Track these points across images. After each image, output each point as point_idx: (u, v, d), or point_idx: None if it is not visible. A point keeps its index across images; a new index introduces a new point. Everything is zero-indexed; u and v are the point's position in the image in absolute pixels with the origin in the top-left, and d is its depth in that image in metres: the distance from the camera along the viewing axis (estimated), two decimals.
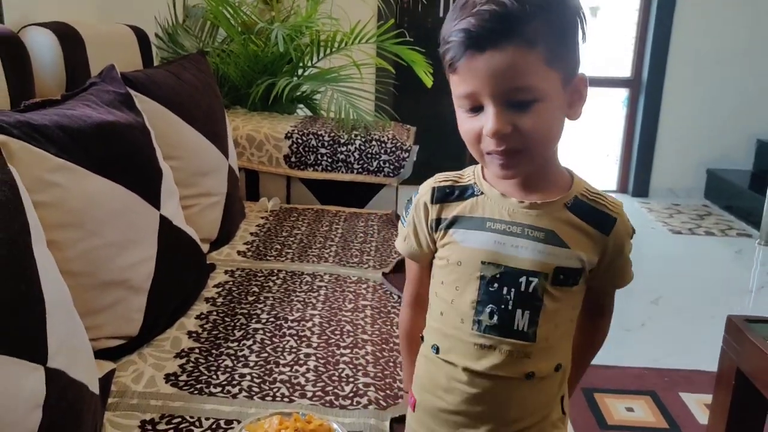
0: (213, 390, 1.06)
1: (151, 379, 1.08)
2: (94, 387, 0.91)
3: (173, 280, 1.28)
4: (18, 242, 0.80)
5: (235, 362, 1.14)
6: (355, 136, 2.10)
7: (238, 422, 0.97)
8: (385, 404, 1.05)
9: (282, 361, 1.15)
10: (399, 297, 1.48)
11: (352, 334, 1.26)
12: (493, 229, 0.77)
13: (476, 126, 0.73)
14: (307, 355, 1.17)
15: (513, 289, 0.76)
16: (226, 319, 1.29)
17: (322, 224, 1.90)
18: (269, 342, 1.21)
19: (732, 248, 3.29)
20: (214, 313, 1.31)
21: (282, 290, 1.43)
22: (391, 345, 1.26)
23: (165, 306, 1.24)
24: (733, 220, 3.72)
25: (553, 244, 0.76)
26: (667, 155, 4.10)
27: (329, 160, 2.10)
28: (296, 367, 1.13)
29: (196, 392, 1.05)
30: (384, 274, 1.57)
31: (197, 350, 1.17)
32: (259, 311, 1.33)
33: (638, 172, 4.14)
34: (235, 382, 1.08)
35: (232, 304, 1.35)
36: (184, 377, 1.09)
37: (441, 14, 3.82)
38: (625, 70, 4.09)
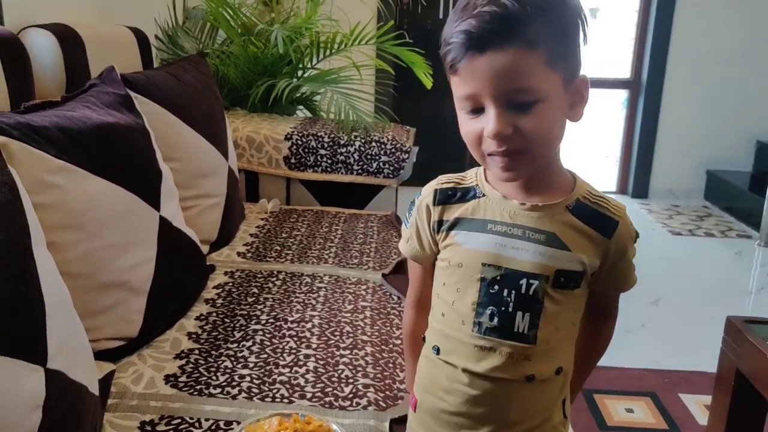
0: (213, 391, 1.06)
1: (150, 380, 1.08)
2: (93, 388, 0.91)
3: (173, 282, 1.28)
4: (18, 244, 0.80)
5: (235, 363, 1.14)
6: (355, 137, 2.10)
7: (238, 423, 0.97)
8: (384, 405, 1.06)
9: (281, 362, 1.15)
10: (399, 298, 1.48)
11: (351, 335, 1.26)
12: (494, 231, 0.77)
13: (477, 127, 0.73)
14: (307, 356, 1.17)
15: (513, 292, 0.76)
16: (226, 320, 1.29)
17: (321, 225, 1.90)
18: (269, 343, 1.21)
19: (732, 249, 3.29)
20: (214, 314, 1.31)
21: (282, 291, 1.43)
22: (391, 346, 1.26)
23: (165, 307, 1.24)
24: (733, 222, 3.72)
25: (554, 247, 0.75)
26: (666, 156, 4.10)
27: (329, 161, 2.10)
28: (296, 368, 1.13)
29: (195, 393, 1.05)
30: (383, 275, 1.58)
31: (197, 351, 1.17)
32: (258, 312, 1.33)
33: (638, 173, 4.14)
34: (234, 383, 1.08)
35: (231, 306, 1.35)
36: (183, 378, 1.09)
37: (441, 16, 3.83)
38: (625, 72, 4.10)
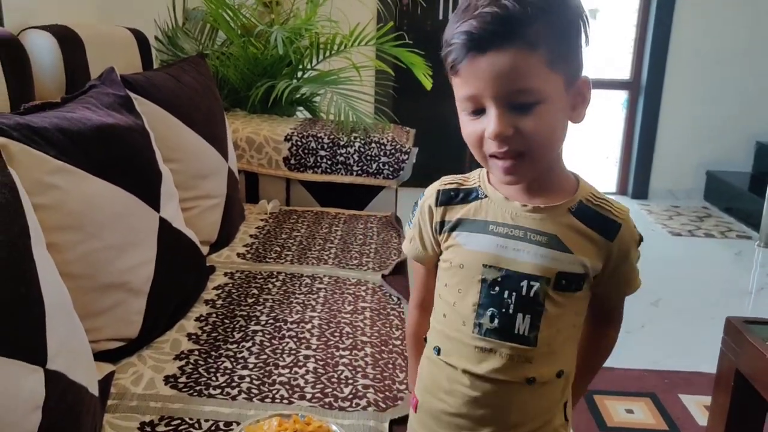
0: (212, 392, 1.06)
1: (150, 381, 1.08)
2: (93, 389, 0.91)
3: (173, 283, 1.28)
4: (18, 245, 0.80)
5: (235, 364, 1.14)
6: (355, 138, 2.10)
7: (238, 424, 0.97)
8: (384, 406, 1.06)
9: (281, 363, 1.15)
10: (398, 299, 1.48)
11: (351, 336, 1.26)
12: (495, 233, 0.77)
13: (478, 128, 0.73)
14: (307, 357, 1.17)
15: (514, 293, 0.76)
16: (226, 321, 1.29)
17: (321, 226, 1.90)
18: (268, 344, 1.21)
19: (731, 250, 3.29)
20: (214, 315, 1.31)
21: (281, 292, 1.43)
22: (390, 347, 1.26)
23: (164, 308, 1.24)
24: (733, 222, 3.72)
25: (556, 249, 0.75)
26: (666, 157, 4.10)
27: (329, 162, 2.10)
28: (295, 368, 1.13)
29: (195, 394, 1.05)
30: (383, 276, 1.58)
31: (197, 352, 1.17)
32: (258, 313, 1.33)
33: (638, 174, 4.14)
34: (234, 384, 1.08)
35: (231, 306, 1.35)
36: (183, 379, 1.09)
37: (440, 17, 3.83)
38: (625, 72, 4.10)
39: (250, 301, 1.38)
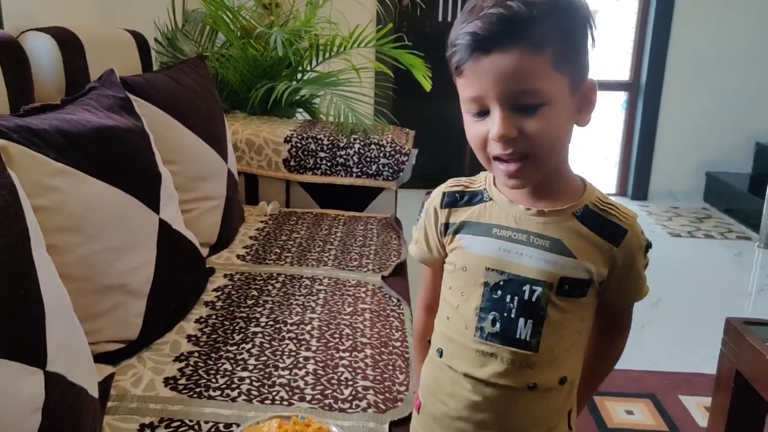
0: (212, 393, 1.06)
1: (150, 382, 1.08)
2: (93, 391, 0.91)
3: (172, 284, 1.28)
4: (17, 247, 0.80)
5: (234, 366, 1.14)
6: (354, 139, 2.10)
7: (238, 425, 0.97)
8: (384, 407, 1.05)
9: (281, 365, 1.15)
10: (398, 300, 1.48)
11: (351, 337, 1.26)
12: (498, 236, 0.77)
13: (483, 130, 0.72)
14: (306, 359, 1.17)
15: (516, 298, 0.75)
16: (226, 322, 1.29)
17: (321, 228, 1.90)
18: (268, 345, 1.21)
19: (731, 251, 3.29)
20: (214, 316, 1.31)
21: (281, 294, 1.43)
22: (390, 348, 1.26)
23: (164, 310, 1.24)
24: (733, 223, 3.72)
25: (559, 254, 0.74)
26: (666, 158, 4.10)
27: (328, 163, 2.10)
28: (295, 370, 1.13)
29: (195, 396, 1.05)
30: (383, 277, 1.58)
31: (196, 354, 1.17)
32: (258, 315, 1.33)
33: (637, 175, 4.14)
34: (234, 386, 1.08)
35: (231, 308, 1.35)
36: (183, 381, 1.09)
37: (439, 18, 3.83)
38: (624, 74, 4.10)
39: (249, 302, 1.38)
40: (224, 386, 1.08)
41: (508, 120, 0.69)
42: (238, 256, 1.65)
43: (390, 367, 1.19)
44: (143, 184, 1.23)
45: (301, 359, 1.17)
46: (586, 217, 0.76)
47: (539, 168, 0.73)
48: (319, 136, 2.11)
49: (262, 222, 1.94)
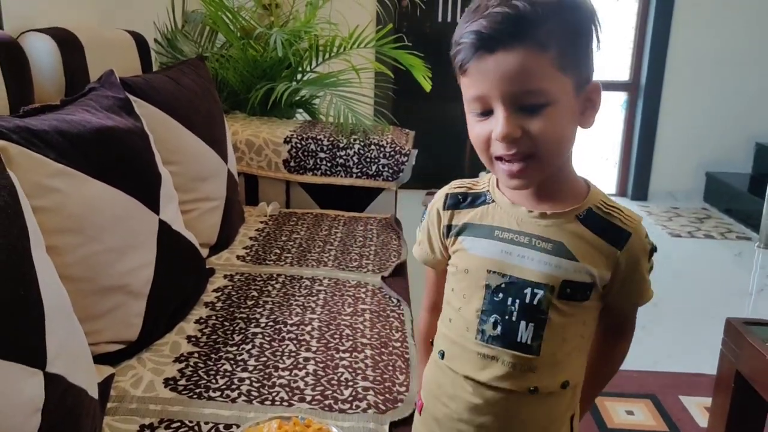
0: (212, 394, 1.06)
1: (150, 383, 1.08)
2: (93, 392, 0.91)
3: (172, 285, 1.28)
4: (17, 247, 0.80)
5: (234, 366, 1.14)
6: (354, 140, 2.10)
7: (238, 426, 0.97)
8: (384, 408, 1.05)
9: (281, 365, 1.15)
10: (398, 301, 1.48)
11: (351, 338, 1.26)
12: (500, 238, 0.76)
13: (486, 130, 0.71)
14: (306, 359, 1.17)
15: (517, 300, 0.74)
16: (225, 323, 1.29)
17: (321, 228, 1.90)
18: (268, 346, 1.21)
19: (731, 251, 3.29)
20: (214, 317, 1.31)
21: (281, 294, 1.43)
22: (390, 349, 1.26)
23: (164, 311, 1.24)
24: (733, 223, 3.72)
25: (561, 257, 0.74)
26: (666, 158, 4.10)
27: (328, 164, 2.10)
28: (295, 371, 1.13)
29: (195, 397, 1.05)
30: (383, 278, 1.57)
31: (196, 355, 1.17)
32: (258, 315, 1.33)
33: (637, 175, 4.14)
34: (234, 387, 1.08)
35: (231, 309, 1.35)
36: (183, 382, 1.09)
37: (439, 19, 3.83)
38: (624, 74, 4.10)
39: (249, 303, 1.38)
40: (224, 387, 1.08)
41: (511, 120, 0.69)
42: (238, 257, 1.65)
43: (390, 368, 1.19)
44: (143, 184, 1.23)
45: (301, 360, 1.17)
46: (589, 220, 0.75)
47: (542, 168, 0.72)
48: (319, 137, 2.11)
49: (262, 222, 1.94)
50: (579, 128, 0.75)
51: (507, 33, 0.67)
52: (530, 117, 0.69)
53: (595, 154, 4.42)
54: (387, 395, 1.10)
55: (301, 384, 1.10)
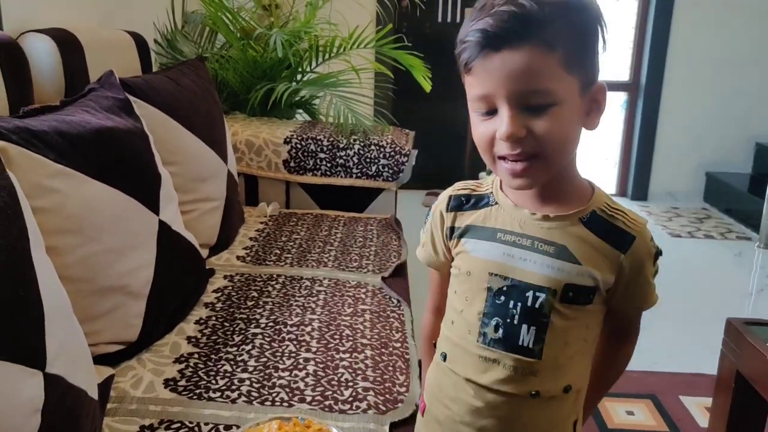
0: (212, 395, 1.06)
1: (150, 384, 1.08)
2: (93, 392, 0.91)
3: (172, 286, 1.28)
4: (17, 248, 0.80)
5: (234, 367, 1.14)
6: (354, 140, 2.10)
7: (238, 427, 0.97)
8: (384, 409, 1.05)
9: (281, 366, 1.15)
10: (398, 301, 1.48)
11: (351, 338, 1.26)
12: (503, 241, 0.76)
13: (490, 129, 0.71)
14: (306, 360, 1.17)
15: (519, 304, 0.74)
16: (225, 324, 1.29)
17: (321, 229, 1.90)
18: (268, 347, 1.21)
19: (731, 251, 3.29)
20: (213, 318, 1.31)
21: (281, 295, 1.43)
22: (390, 349, 1.25)
23: (164, 311, 1.24)
24: (733, 224, 3.72)
25: (564, 260, 0.73)
26: (666, 159, 4.10)
27: (328, 164, 2.10)
28: (295, 371, 1.13)
29: (195, 397, 1.05)
30: (383, 278, 1.57)
31: (196, 355, 1.17)
32: (258, 316, 1.33)
33: (637, 175, 4.14)
34: (234, 387, 1.08)
35: (231, 309, 1.35)
36: (183, 382, 1.09)
37: (439, 19, 3.83)
38: (624, 74, 4.10)
39: (249, 303, 1.38)
40: (224, 387, 1.08)
41: (516, 119, 0.68)
42: (237, 257, 1.65)
43: (390, 368, 1.18)
44: (143, 185, 1.23)
45: (301, 360, 1.17)
46: (592, 223, 0.74)
47: (546, 168, 0.71)
48: (318, 137, 2.11)
49: (261, 223, 1.93)
50: (583, 129, 0.74)
51: (513, 31, 0.66)
52: (535, 117, 0.68)
53: (595, 154, 4.42)
54: (387, 396, 1.09)
55: (301, 384, 1.09)
